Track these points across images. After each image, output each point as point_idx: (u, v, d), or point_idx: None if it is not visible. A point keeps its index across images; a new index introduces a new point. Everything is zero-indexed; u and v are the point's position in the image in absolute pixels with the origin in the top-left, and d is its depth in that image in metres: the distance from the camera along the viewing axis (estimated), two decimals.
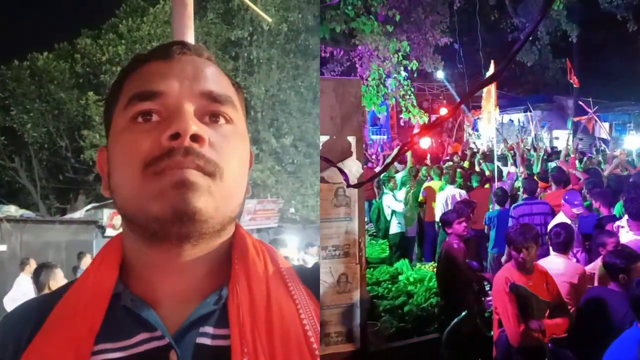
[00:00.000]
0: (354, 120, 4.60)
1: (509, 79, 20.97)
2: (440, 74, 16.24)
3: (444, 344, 5.00)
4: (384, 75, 12.06)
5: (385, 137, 24.14)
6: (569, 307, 4.65)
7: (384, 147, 19.62)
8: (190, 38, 3.87)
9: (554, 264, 4.90)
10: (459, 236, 5.74)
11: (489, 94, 10.97)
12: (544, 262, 4.91)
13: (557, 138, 19.62)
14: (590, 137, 19.00)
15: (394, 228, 9.45)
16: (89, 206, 15.82)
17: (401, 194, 9.43)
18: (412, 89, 12.72)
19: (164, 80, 1.10)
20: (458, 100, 16.34)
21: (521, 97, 20.52)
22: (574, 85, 17.52)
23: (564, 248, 4.98)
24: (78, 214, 15.54)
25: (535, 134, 18.37)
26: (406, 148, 6.15)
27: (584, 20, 18.89)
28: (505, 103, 20.61)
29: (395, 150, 14.82)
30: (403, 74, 12.35)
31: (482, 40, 18.71)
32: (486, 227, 8.69)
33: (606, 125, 18.72)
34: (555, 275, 4.69)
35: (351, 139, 4.56)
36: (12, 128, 18.73)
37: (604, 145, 16.65)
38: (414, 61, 12.37)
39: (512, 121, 20.80)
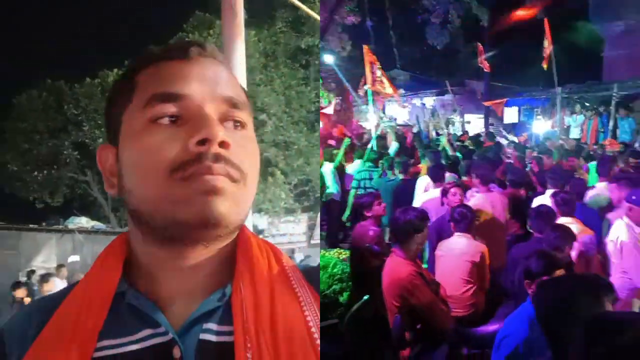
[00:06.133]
0: None
1: (421, 62, 21.39)
2: (328, 58, 15.99)
3: (345, 328, 4.98)
4: None
5: None
6: (471, 285, 4.90)
7: None
8: (240, 47, 3.79)
9: (457, 243, 5.15)
10: (377, 218, 5.85)
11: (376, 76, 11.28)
12: (447, 243, 5.20)
13: (468, 122, 20.23)
14: (500, 122, 19.74)
15: None
16: None
17: None
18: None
19: (187, 82, 1.11)
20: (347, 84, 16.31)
21: (433, 80, 20.94)
22: (485, 70, 18.20)
23: (466, 228, 5.18)
24: None
25: (447, 118, 18.86)
26: None
27: (495, 4, 19.57)
28: (417, 86, 20.99)
29: None
30: None
31: (392, 21, 19.07)
32: None
33: (515, 110, 19.53)
34: (458, 254, 5.00)
35: None
36: (84, 143, 20.96)
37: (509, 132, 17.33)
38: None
39: (424, 104, 21.22)
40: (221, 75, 1.17)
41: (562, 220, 5.14)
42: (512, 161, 10.51)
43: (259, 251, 1.17)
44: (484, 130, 18.84)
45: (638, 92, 16.73)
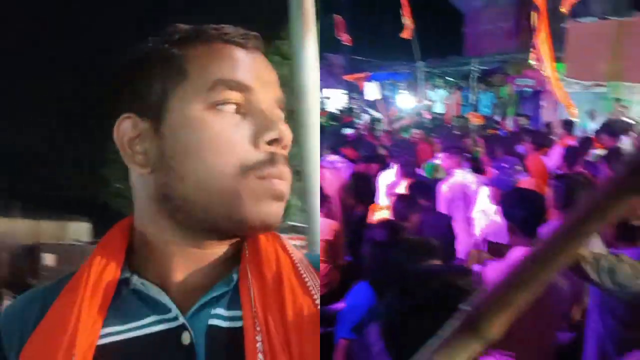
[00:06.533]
0: None
1: None
2: None
3: None
4: None
5: None
6: (324, 265, 4.82)
7: None
8: (313, 39, 3.11)
9: None
10: None
11: None
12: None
13: (328, 98, 19.85)
14: (362, 97, 19.51)
15: None
16: None
17: None
18: None
19: (250, 74, 1.10)
20: None
21: None
22: (345, 43, 17.81)
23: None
24: None
25: None
26: None
27: None
28: None
29: None
30: None
31: None
32: None
33: (376, 84, 19.35)
34: None
35: None
36: None
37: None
38: None
39: None
40: (273, 73, 1.17)
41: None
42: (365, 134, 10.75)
43: (264, 237, 1.15)
44: (345, 105, 18.70)
45: (496, 67, 17.13)
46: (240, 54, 1.11)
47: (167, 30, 1.14)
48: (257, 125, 1.07)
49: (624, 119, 10.52)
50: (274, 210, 1.07)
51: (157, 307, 1.08)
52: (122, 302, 1.09)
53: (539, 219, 3.23)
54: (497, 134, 10.32)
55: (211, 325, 1.06)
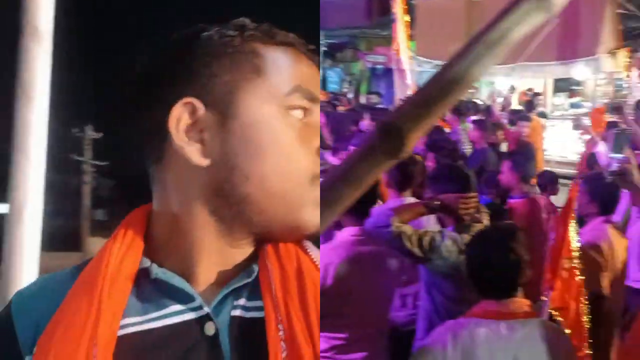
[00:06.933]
0: None
1: None
2: None
3: None
4: None
5: None
6: None
7: None
8: None
9: None
10: None
11: None
12: None
13: None
14: None
15: None
16: None
17: None
18: None
19: (316, 87, 1.15)
20: None
21: None
22: None
23: None
24: None
25: None
26: None
27: None
28: None
29: None
30: None
31: None
32: None
33: None
34: None
35: None
36: None
37: None
38: None
39: None
40: None
41: None
42: None
43: None
44: None
45: (344, 41, 17.11)
46: (312, 66, 1.17)
47: (235, 22, 1.14)
48: (313, 140, 1.12)
49: (473, 99, 10.80)
50: (317, 220, 1.07)
51: (179, 297, 1.07)
52: (141, 292, 1.09)
53: (371, 199, 3.17)
54: (337, 110, 10.39)
55: (233, 316, 1.06)
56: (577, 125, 9.60)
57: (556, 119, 12.02)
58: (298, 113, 1.10)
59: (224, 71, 1.09)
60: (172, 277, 1.08)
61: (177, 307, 1.07)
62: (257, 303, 1.07)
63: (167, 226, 1.13)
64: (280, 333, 1.01)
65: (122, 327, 1.05)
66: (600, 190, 4.05)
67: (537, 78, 12.75)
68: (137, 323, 1.06)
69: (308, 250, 1.14)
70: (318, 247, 1.14)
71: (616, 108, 9.80)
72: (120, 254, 1.11)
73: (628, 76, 11.01)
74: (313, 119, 1.12)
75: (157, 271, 1.09)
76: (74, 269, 1.18)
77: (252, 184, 1.07)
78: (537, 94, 12.57)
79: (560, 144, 10.99)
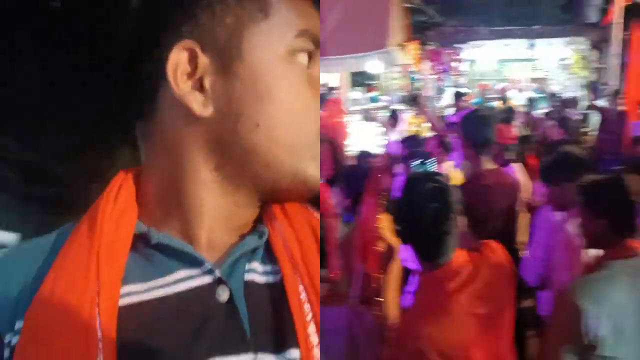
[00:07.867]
0: None
1: None
2: None
3: None
4: None
5: None
6: None
7: None
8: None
9: None
10: None
11: None
12: None
13: None
14: None
15: None
16: None
17: None
18: None
19: (319, 32, 1.10)
20: None
21: None
22: None
23: None
24: None
25: None
26: None
27: None
28: None
29: None
30: None
31: None
32: None
33: None
34: None
35: None
36: None
37: None
38: None
39: None
40: None
41: None
42: None
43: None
44: None
45: None
46: (316, 11, 1.11)
47: None
48: (318, 91, 1.07)
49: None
50: (319, 173, 1.07)
51: (184, 262, 1.03)
52: (140, 259, 1.03)
53: None
54: None
55: (248, 281, 1.03)
56: (367, 117, 10.02)
57: (355, 113, 12.19)
58: (303, 57, 1.07)
59: (227, 12, 1.04)
60: (175, 242, 1.03)
61: (183, 272, 1.02)
62: (270, 267, 1.04)
63: (163, 187, 1.07)
64: (302, 295, 0.99)
65: (123, 295, 0.99)
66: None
67: (331, 72, 12.86)
68: (139, 292, 1.00)
69: (314, 213, 1.11)
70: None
71: (412, 99, 10.13)
72: (113, 218, 1.04)
73: (419, 69, 11.37)
74: (316, 71, 1.09)
75: (158, 236, 1.04)
76: (59, 234, 1.09)
77: (260, 131, 1.02)
78: (332, 89, 12.64)
79: (361, 138, 11.15)
